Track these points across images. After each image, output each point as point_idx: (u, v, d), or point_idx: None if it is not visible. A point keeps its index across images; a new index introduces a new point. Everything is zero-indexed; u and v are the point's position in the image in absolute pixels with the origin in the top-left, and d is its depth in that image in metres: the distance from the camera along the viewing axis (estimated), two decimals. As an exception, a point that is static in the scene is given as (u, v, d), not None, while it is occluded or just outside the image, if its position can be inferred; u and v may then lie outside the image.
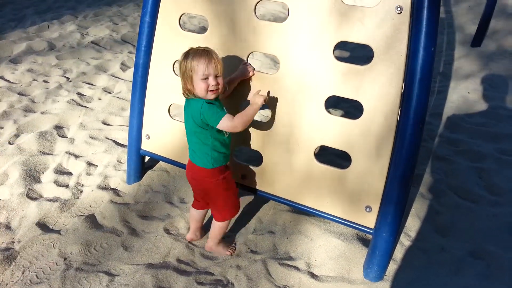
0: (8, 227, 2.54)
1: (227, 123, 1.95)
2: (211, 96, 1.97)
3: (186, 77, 1.95)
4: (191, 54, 1.94)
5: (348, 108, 3.77)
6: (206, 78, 1.92)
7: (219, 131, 2.04)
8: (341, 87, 2.00)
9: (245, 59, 2.23)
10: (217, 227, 2.27)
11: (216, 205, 2.23)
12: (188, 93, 2.00)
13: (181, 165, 2.60)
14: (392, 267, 2.17)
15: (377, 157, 1.98)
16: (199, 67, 1.90)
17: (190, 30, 2.43)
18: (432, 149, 3.22)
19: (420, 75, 1.76)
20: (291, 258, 2.29)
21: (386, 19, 1.82)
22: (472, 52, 4.97)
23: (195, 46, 2.33)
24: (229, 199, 2.22)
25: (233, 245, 2.41)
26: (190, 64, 1.92)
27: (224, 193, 2.18)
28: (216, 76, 1.94)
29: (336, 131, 2.07)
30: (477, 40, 5.08)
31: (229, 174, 2.19)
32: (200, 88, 1.94)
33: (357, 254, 2.25)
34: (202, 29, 6.22)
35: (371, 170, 2.01)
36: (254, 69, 2.24)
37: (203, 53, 1.93)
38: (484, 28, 5.00)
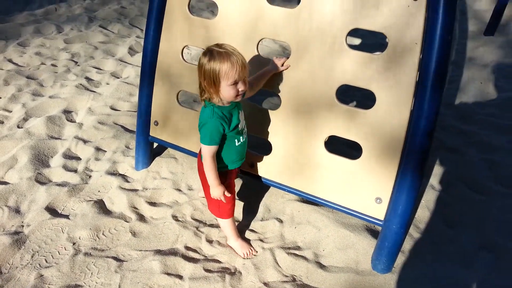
0: (17, 211, 2.56)
1: (204, 152, 1.93)
2: (237, 99, 1.89)
3: (212, 81, 1.80)
4: (217, 57, 1.76)
5: (358, 97, 3.73)
6: (235, 84, 1.80)
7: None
8: (353, 76, 1.96)
9: (255, 45, 2.19)
10: (220, 222, 2.29)
11: (206, 196, 2.20)
12: (208, 96, 1.88)
13: (189, 152, 2.59)
14: (400, 259, 2.16)
15: (389, 148, 1.95)
16: (230, 74, 1.75)
17: (198, 15, 2.39)
18: (443, 140, 3.17)
19: (435, 65, 1.71)
20: (298, 248, 2.29)
21: (402, 6, 1.77)
22: (485, 41, 4.87)
23: (204, 31, 2.32)
24: (214, 201, 2.14)
25: (253, 249, 2.30)
26: (218, 69, 1.75)
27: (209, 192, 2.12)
28: (244, 80, 1.83)
29: (347, 121, 2.04)
30: (490, 28, 4.97)
31: (225, 180, 2.10)
32: (229, 95, 1.83)
33: (365, 245, 2.23)
34: (211, 13, 6.15)
35: (382, 161, 1.98)
36: (285, 60, 2.14)
37: (230, 56, 1.75)
38: (498, 17, 4.89)
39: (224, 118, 1.90)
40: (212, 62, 1.77)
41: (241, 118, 2.03)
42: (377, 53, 1.91)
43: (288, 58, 2.14)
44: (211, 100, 1.90)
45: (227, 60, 1.75)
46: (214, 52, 1.78)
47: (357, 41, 5.09)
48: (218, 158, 2.03)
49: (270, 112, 2.27)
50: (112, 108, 3.68)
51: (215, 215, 2.26)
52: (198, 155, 2.15)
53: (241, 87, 1.83)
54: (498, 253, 2.20)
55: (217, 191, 2.02)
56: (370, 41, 4.95)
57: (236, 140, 2.03)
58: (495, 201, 2.56)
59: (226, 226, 2.26)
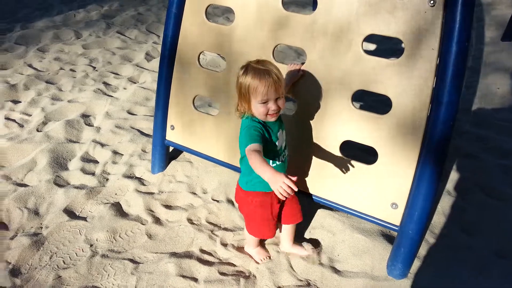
0: (36, 212, 2.61)
1: (247, 153, 1.70)
2: (270, 119, 1.81)
3: (243, 95, 1.78)
4: (250, 72, 1.73)
5: (370, 102, 3.72)
6: (265, 102, 1.75)
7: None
8: (369, 81, 1.97)
9: (271, 51, 2.21)
10: (246, 232, 2.23)
11: (246, 222, 2.17)
12: (242, 110, 1.84)
13: (205, 156, 2.61)
14: (416, 265, 2.14)
15: (405, 153, 1.95)
16: (258, 91, 1.71)
17: (213, 22, 2.42)
18: (460, 146, 3.14)
19: (452, 70, 1.71)
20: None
21: (418, 12, 1.77)
22: (503, 46, 4.81)
23: (220, 37, 2.34)
24: (253, 221, 2.09)
25: (269, 254, 2.28)
26: (248, 84, 1.73)
27: (249, 212, 2.08)
28: (277, 99, 1.76)
29: (363, 126, 2.04)
30: (508, 34, 4.92)
31: (263, 202, 2.00)
32: (258, 112, 1.78)
33: (381, 251, 2.22)
34: (226, 20, 6.21)
35: (398, 166, 1.98)
36: (301, 66, 2.13)
37: (263, 74, 1.71)
38: (516, 22, 4.83)
39: (262, 127, 1.82)
40: (244, 76, 1.75)
41: (280, 136, 1.93)
42: (393, 58, 1.92)
43: (303, 64, 2.15)
44: (246, 113, 1.85)
45: (258, 78, 1.71)
46: (249, 67, 1.76)
47: (372, 47, 5.08)
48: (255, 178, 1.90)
49: (285, 116, 2.28)
50: (129, 113, 3.74)
51: (258, 237, 2.16)
52: (236, 189, 2.12)
53: (272, 107, 1.75)
54: (516, 261, 2.17)
55: (275, 180, 1.52)
56: (384, 47, 4.94)
57: (270, 162, 1.92)
58: (513, 208, 2.52)
59: (250, 237, 2.21)
